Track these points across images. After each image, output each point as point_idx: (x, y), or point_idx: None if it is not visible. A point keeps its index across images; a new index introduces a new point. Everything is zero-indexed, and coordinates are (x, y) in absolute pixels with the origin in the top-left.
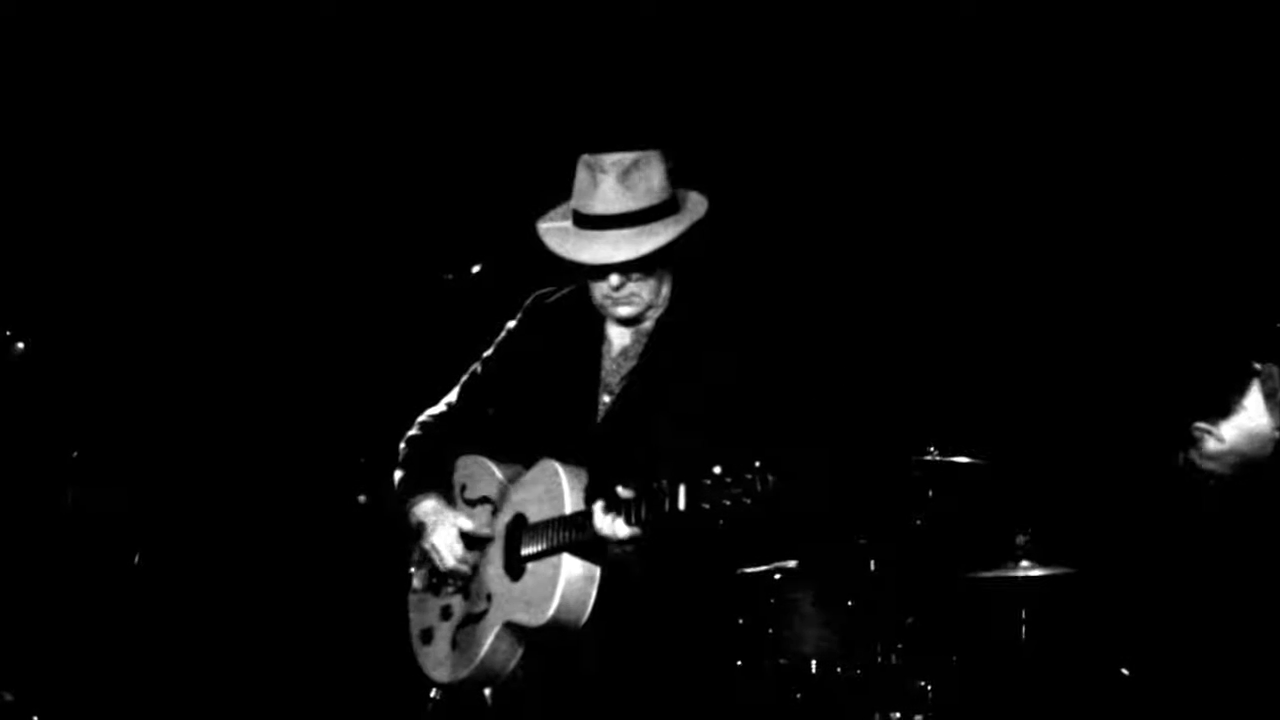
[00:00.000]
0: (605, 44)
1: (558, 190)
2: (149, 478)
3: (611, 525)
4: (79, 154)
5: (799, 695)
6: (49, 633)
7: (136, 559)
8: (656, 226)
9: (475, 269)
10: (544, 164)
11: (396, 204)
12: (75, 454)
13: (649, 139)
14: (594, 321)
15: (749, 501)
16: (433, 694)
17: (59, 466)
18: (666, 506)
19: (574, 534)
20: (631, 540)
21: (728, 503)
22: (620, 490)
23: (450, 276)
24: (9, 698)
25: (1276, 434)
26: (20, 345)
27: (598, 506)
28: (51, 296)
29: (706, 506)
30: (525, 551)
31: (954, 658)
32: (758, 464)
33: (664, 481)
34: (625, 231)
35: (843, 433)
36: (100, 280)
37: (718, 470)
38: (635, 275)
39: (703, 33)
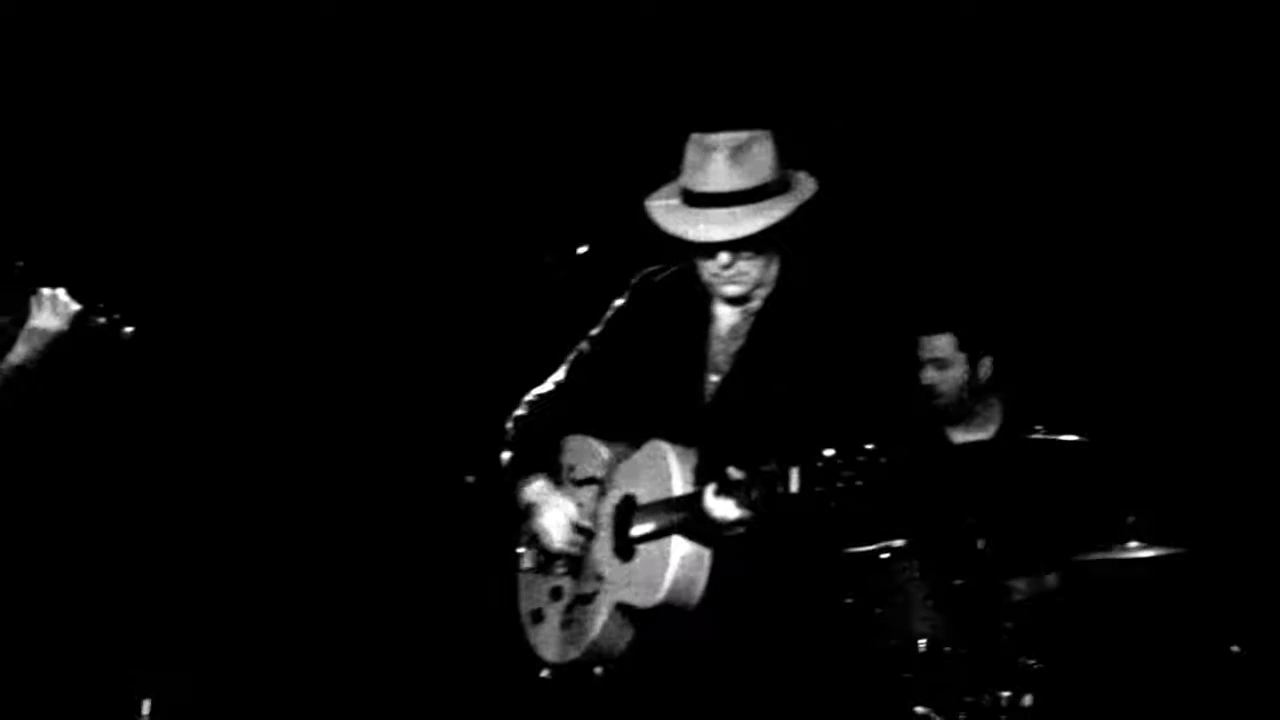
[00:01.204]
0: (718, 23)
1: (668, 169)
2: (257, 463)
3: (723, 507)
4: (192, 144)
5: (907, 675)
6: (185, 638)
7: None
8: (765, 205)
9: (582, 249)
10: (654, 143)
11: (504, 184)
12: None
13: (760, 120)
14: (702, 301)
15: (861, 484)
16: (543, 674)
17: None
18: (779, 489)
19: (684, 515)
20: (742, 522)
21: (840, 485)
22: (731, 472)
23: (554, 257)
24: (146, 707)
25: None
26: (129, 329)
27: (709, 488)
28: (161, 281)
29: (819, 489)
30: (635, 533)
31: (1063, 637)
32: (870, 445)
33: (776, 463)
34: (734, 210)
35: None
36: (213, 264)
37: (830, 452)
38: (744, 254)
39: (819, 13)
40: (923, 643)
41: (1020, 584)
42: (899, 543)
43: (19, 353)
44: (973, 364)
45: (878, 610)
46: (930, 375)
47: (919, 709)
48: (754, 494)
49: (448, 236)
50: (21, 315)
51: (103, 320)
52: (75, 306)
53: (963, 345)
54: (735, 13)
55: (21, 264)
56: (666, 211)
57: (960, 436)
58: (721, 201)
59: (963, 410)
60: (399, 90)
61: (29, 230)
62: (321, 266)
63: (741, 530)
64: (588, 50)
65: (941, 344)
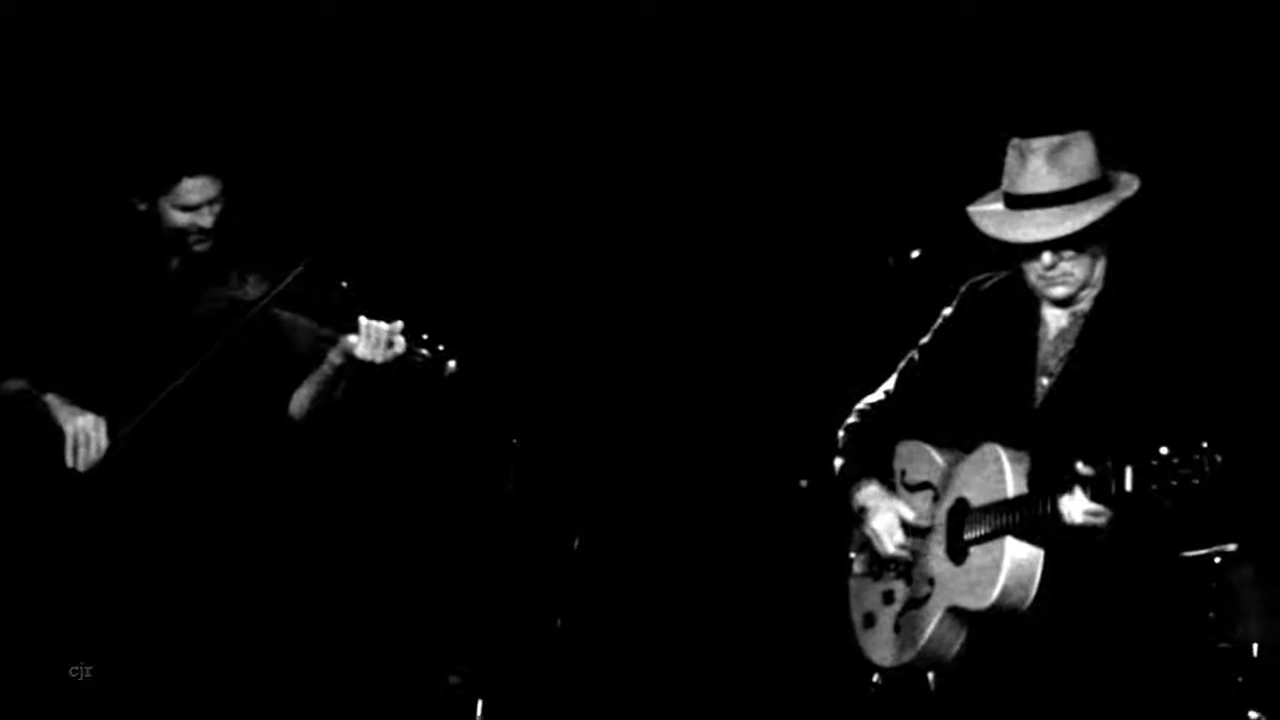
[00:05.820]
0: (1036, 28)
1: (992, 177)
2: (590, 465)
3: (1058, 507)
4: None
5: (1240, 680)
6: (495, 616)
7: (576, 544)
8: (1085, 205)
9: (914, 254)
10: (978, 152)
11: (832, 196)
12: (515, 441)
13: (1080, 121)
14: (1030, 305)
15: (1197, 483)
16: (875, 679)
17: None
18: (1113, 489)
19: (1017, 517)
20: (1087, 523)
21: (1175, 484)
22: (1080, 468)
23: (892, 260)
24: (455, 680)
25: None
26: (453, 364)
27: (1046, 490)
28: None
29: (1154, 488)
30: (968, 536)
31: None
32: (1205, 444)
33: (1110, 463)
34: (1054, 210)
35: None
36: (539, 284)
37: (1165, 451)
38: (1067, 254)
39: (1135, 13)
40: (1256, 647)
41: None
42: (1232, 546)
43: (324, 373)
44: None
45: (1211, 614)
46: None
47: (1252, 714)
48: (1088, 494)
49: (783, 246)
50: (343, 333)
51: (426, 354)
52: (400, 346)
53: None
54: (1055, 17)
55: (346, 284)
56: (987, 216)
57: None
58: (1040, 203)
59: None
60: (729, 102)
61: (368, 253)
62: (653, 274)
63: (1085, 531)
64: (909, 63)
65: None
